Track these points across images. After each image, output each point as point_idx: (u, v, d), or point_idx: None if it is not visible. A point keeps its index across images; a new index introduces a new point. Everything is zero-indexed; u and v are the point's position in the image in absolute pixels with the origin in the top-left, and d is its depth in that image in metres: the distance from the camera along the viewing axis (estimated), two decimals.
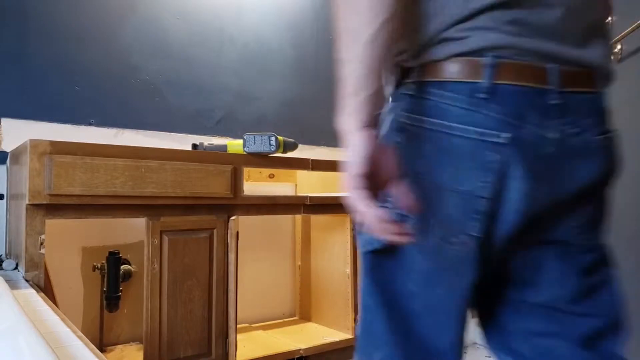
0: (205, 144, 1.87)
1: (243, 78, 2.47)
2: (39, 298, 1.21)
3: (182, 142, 2.24)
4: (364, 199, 0.62)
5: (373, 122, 0.65)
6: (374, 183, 0.63)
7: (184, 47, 2.31)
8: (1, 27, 1.89)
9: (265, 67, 2.54)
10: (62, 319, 1.00)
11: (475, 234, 0.68)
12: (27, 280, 1.43)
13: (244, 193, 1.84)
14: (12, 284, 1.34)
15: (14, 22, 1.91)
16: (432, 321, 0.71)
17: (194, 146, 1.86)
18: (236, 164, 1.81)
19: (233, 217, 1.80)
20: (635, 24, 1.73)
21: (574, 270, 0.76)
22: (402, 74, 0.72)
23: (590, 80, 0.72)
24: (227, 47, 2.45)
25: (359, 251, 0.78)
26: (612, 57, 0.89)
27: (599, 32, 0.72)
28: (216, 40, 2.41)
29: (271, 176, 2.40)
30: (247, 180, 1.91)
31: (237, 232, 1.81)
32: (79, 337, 0.88)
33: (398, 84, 0.73)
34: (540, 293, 0.76)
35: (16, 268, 1.56)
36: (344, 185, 0.64)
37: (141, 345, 1.86)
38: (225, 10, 2.45)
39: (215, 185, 1.75)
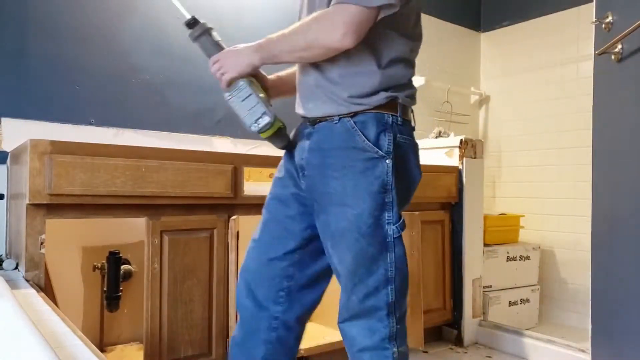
0: (216, 39, 1.31)
1: None
2: (39, 298, 1.21)
3: (182, 142, 2.24)
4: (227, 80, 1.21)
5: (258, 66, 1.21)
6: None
7: (184, 46, 2.31)
8: (1, 27, 1.89)
9: (265, 66, 2.53)
10: (62, 319, 1.00)
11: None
12: (27, 280, 1.43)
13: (245, 193, 1.84)
14: (12, 284, 1.34)
15: (14, 22, 1.91)
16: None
17: (194, 21, 1.33)
18: (237, 164, 1.81)
19: (233, 217, 1.80)
20: (635, 24, 1.73)
21: None
22: (392, 109, 1.16)
23: None
24: (227, 47, 2.44)
25: (390, 239, 1.15)
26: None
27: None
28: None
29: (272, 176, 2.40)
30: (247, 180, 1.91)
31: (238, 232, 1.80)
32: (79, 337, 0.88)
33: (389, 115, 1.15)
34: None
35: (16, 268, 1.56)
36: (231, 67, 1.20)
37: (141, 345, 1.86)
38: (225, 10, 2.44)
39: (215, 185, 1.75)
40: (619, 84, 1.83)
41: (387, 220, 1.13)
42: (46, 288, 1.49)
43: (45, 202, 1.46)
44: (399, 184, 1.14)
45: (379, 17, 1.08)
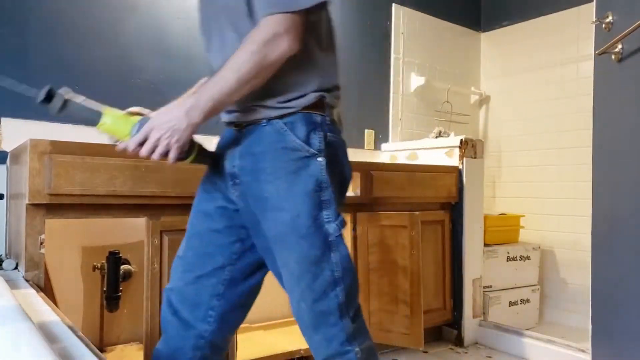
0: (80, 100, 1.15)
1: None
2: (39, 298, 1.21)
3: None
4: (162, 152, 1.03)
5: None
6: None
7: (184, 46, 2.31)
8: (2, 27, 1.89)
9: None
10: (62, 319, 1.00)
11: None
12: (27, 280, 1.43)
13: None
14: (12, 284, 1.34)
15: (14, 22, 1.91)
16: None
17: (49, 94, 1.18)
18: None
19: None
20: (636, 24, 1.73)
21: None
22: (320, 109, 1.12)
23: None
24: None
25: (332, 238, 1.10)
26: None
27: None
28: None
29: None
30: None
31: None
32: (79, 337, 0.88)
33: (316, 113, 1.12)
34: None
35: (16, 268, 1.56)
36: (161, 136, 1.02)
37: (141, 345, 1.86)
38: None
39: None
40: (619, 84, 1.83)
41: (327, 219, 1.09)
42: (46, 288, 1.49)
43: (45, 202, 1.46)
44: (333, 182, 1.11)
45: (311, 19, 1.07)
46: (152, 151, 1.03)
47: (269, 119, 1.10)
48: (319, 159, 1.09)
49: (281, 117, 1.09)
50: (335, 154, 1.14)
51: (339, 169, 1.15)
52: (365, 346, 1.14)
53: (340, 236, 1.12)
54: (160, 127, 1.02)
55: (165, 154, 1.04)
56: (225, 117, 1.19)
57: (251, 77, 1.02)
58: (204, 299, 1.18)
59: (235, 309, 1.23)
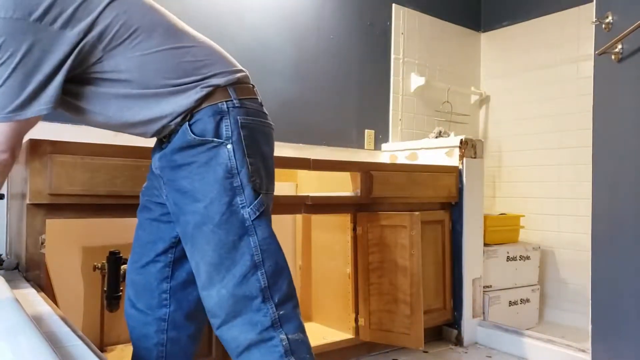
0: None
1: None
2: (39, 298, 1.21)
3: None
4: None
5: None
6: None
7: None
8: None
9: (265, 66, 2.54)
10: (63, 319, 1.00)
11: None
12: (27, 280, 1.43)
13: None
14: (13, 284, 1.34)
15: None
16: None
17: None
18: None
19: None
20: (636, 24, 1.73)
21: None
22: (218, 97, 1.12)
23: None
24: (227, 47, 2.43)
25: (248, 223, 1.11)
26: None
27: None
28: (216, 40, 2.40)
29: None
30: None
31: None
32: (79, 337, 0.88)
33: (216, 100, 1.12)
34: None
35: (16, 268, 1.56)
36: None
37: None
38: (226, 10, 2.44)
39: None
40: (619, 84, 1.83)
41: (241, 204, 1.11)
42: (46, 288, 1.49)
43: (45, 202, 1.46)
44: (254, 162, 1.13)
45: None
46: None
47: (180, 124, 1.13)
48: (228, 146, 1.10)
49: (189, 118, 1.12)
50: (251, 135, 1.14)
51: (259, 148, 1.16)
52: (296, 337, 1.12)
53: (261, 219, 1.13)
54: None
55: None
56: (153, 135, 1.21)
57: None
58: (154, 284, 1.25)
59: (188, 285, 1.27)
